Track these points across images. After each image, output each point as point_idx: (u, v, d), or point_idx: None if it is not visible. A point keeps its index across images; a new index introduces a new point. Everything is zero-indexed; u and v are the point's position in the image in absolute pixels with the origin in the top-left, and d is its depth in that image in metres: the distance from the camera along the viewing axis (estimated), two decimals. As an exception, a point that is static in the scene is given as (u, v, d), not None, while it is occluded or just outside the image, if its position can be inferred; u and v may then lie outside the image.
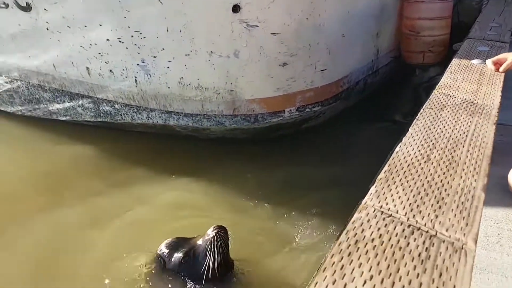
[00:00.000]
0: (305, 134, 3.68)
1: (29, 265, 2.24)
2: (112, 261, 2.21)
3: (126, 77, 3.19)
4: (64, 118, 3.71)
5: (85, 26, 3.07)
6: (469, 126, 1.63)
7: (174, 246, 2.04)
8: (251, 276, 2.07)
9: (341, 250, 0.98)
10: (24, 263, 2.25)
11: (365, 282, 0.88)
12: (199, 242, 1.97)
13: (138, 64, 3.09)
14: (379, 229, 1.05)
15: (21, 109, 3.90)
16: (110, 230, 2.49)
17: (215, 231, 1.91)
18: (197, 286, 1.93)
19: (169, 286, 1.98)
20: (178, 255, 1.99)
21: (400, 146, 1.46)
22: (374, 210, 1.12)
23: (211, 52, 2.99)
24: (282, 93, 3.28)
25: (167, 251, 2.04)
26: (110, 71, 3.21)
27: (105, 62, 3.17)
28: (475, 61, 2.60)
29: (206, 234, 1.95)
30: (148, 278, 2.07)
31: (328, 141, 3.66)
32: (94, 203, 2.79)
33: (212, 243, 1.86)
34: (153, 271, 2.08)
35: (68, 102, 3.57)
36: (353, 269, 0.92)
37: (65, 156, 3.38)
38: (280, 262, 2.20)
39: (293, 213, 2.64)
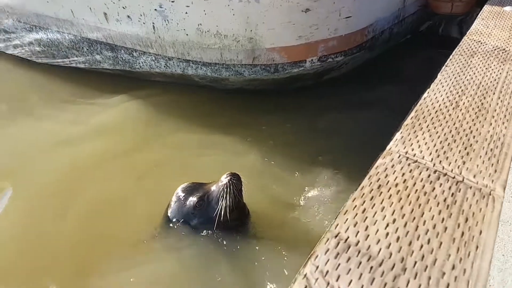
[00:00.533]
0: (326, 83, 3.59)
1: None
2: (136, 197, 2.28)
3: (143, 23, 3.12)
4: (82, 66, 3.70)
5: (103, -30, 2.99)
6: (500, 73, 1.54)
7: (190, 190, 2.08)
8: (264, 224, 2.10)
9: (364, 194, 0.97)
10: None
11: (387, 225, 0.87)
12: (213, 187, 2.00)
13: (155, 10, 3.01)
14: (403, 174, 1.02)
15: (41, 57, 3.90)
16: (138, 174, 2.53)
17: (228, 177, 1.93)
18: (209, 229, 2.00)
19: (182, 229, 2.06)
20: (193, 199, 2.02)
21: (428, 92, 1.40)
22: (399, 156, 1.09)
23: (231, -4, 2.88)
24: (304, 41, 3.16)
25: (183, 194, 2.09)
26: (128, 16, 3.14)
27: (123, 8, 3.09)
28: (508, 8, 2.45)
29: (220, 180, 1.97)
30: (163, 219, 2.14)
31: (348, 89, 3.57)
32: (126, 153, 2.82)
33: (225, 189, 1.90)
34: (168, 213, 2.14)
35: (87, 49, 3.54)
36: (375, 213, 0.91)
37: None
38: (296, 211, 2.21)
39: (313, 163, 2.62)
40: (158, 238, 2.04)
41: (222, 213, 1.89)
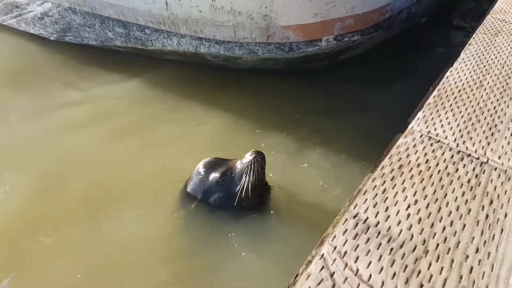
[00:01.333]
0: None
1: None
2: (153, 175, 2.27)
3: (156, -1, 3.07)
4: (94, 43, 3.67)
5: None
6: (528, 52, 1.48)
7: (213, 165, 2.10)
8: (284, 202, 2.11)
9: (384, 174, 0.94)
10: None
11: (408, 206, 0.84)
12: (237, 164, 2.02)
13: (169, -14, 2.95)
14: (425, 154, 0.99)
15: (52, 32, 3.88)
16: (152, 153, 2.52)
17: (254, 155, 1.95)
18: (228, 205, 2.00)
19: (200, 204, 2.07)
20: (215, 174, 2.03)
21: (451, 71, 1.35)
22: (421, 136, 1.05)
23: (245, -28, 2.81)
24: (320, 19, 3.08)
25: (205, 169, 2.09)
26: (141, -7, 3.09)
27: (135, -17, 3.05)
28: None
29: (244, 157, 1.98)
30: (182, 195, 2.14)
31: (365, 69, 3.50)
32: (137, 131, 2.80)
33: (249, 166, 1.92)
34: (188, 187, 2.15)
35: (99, 26, 3.51)
36: (396, 193, 0.88)
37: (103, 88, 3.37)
38: (314, 193, 2.20)
39: (332, 146, 2.59)
40: (175, 213, 2.05)
41: (244, 190, 1.92)
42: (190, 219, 2.07)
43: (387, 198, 0.87)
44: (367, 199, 0.88)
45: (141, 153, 2.55)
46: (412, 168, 0.95)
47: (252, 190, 1.93)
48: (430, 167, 0.95)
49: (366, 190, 0.90)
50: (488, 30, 1.67)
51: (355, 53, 3.61)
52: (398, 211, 0.84)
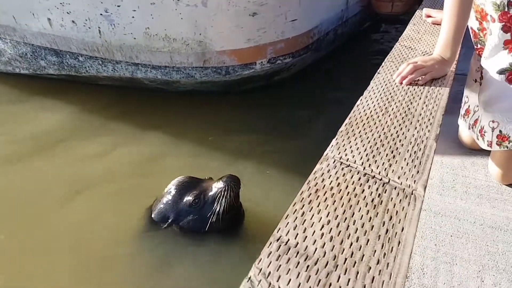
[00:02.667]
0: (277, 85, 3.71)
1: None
2: (92, 219, 2.25)
3: (89, 27, 3.08)
4: (27, 72, 3.58)
5: (45, -25, 2.92)
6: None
7: (186, 185, 2.10)
8: (258, 224, 2.18)
9: (303, 198, 1.06)
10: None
11: (322, 226, 0.97)
12: (211, 187, 2.04)
13: (101, 14, 2.98)
14: (337, 178, 1.13)
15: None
16: (88, 191, 2.48)
17: (228, 181, 1.99)
18: (200, 229, 2.03)
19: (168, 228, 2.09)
20: (189, 198, 2.04)
21: (361, 99, 1.53)
22: (334, 161, 1.20)
23: (178, 0, 2.91)
24: (253, 44, 3.26)
25: (178, 189, 2.09)
26: (73, 21, 3.09)
27: (67, 13, 3.04)
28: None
29: (219, 181, 2.02)
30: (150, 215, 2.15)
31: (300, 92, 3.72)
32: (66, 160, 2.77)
33: (222, 193, 1.96)
34: (158, 207, 2.14)
35: (31, 55, 3.44)
36: (312, 215, 1.00)
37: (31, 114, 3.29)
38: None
39: (271, 164, 2.72)
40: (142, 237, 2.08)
41: (216, 215, 1.97)
42: (156, 239, 2.08)
43: (305, 220, 1.00)
44: (288, 222, 1.00)
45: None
46: (326, 192, 1.09)
47: (225, 215, 1.99)
48: (341, 190, 1.09)
49: (288, 214, 1.02)
50: (396, 58, 1.89)
51: (288, 74, 3.83)
52: (314, 232, 0.96)
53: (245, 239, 2.16)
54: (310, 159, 2.68)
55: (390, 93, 1.58)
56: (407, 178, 1.13)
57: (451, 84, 1.68)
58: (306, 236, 0.95)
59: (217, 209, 1.95)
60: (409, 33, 2.17)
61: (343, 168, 1.17)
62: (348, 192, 1.07)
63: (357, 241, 0.93)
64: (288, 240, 0.95)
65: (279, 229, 0.99)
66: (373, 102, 1.51)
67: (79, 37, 3.19)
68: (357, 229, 0.97)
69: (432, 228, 1.64)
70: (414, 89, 1.61)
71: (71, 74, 3.51)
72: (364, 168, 1.17)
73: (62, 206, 2.32)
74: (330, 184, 1.11)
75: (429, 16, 2.39)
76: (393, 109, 1.47)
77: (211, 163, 2.71)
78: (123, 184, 2.50)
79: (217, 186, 2.01)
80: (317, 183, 1.12)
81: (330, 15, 3.81)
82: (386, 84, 1.64)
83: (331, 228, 0.97)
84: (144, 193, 2.33)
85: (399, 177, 1.13)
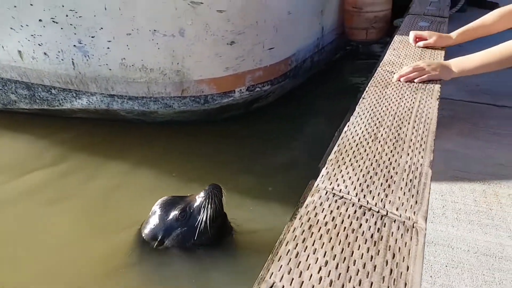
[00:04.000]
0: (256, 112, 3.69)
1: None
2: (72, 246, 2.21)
3: (62, 59, 2.98)
4: (-5, 106, 3.43)
5: (15, 6, 2.82)
6: (413, 102, 1.66)
7: (170, 203, 2.17)
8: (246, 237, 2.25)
9: (296, 236, 0.97)
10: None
11: (320, 269, 0.88)
12: (194, 199, 2.12)
13: (74, 45, 2.89)
14: (331, 212, 1.05)
15: None
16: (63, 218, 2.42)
17: (210, 188, 2.08)
18: (189, 241, 2.09)
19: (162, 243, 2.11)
20: (175, 212, 2.10)
21: (348, 126, 1.47)
22: (326, 193, 1.12)
23: (155, 30, 2.85)
24: (231, 72, 3.22)
25: (163, 208, 2.16)
26: (45, 53, 2.98)
27: (39, 45, 2.93)
28: (422, 23, 2.72)
29: (201, 191, 2.11)
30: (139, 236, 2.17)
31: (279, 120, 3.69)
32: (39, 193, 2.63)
33: (207, 199, 2.04)
34: (146, 228, 2.17)
35: (0, 89, 3.29)
36: (308, 256, 0.91)
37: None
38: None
39: (248, 194, 2.65)
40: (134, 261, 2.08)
41: (203, 223, 2.03)
42: (147, 258, 2.10)
43: (300, 262, 0.90)
44: (281, 265, 0.90)
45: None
46: (320, 228, 1.00)
47: (212, 223, 2.04)
48: (336, 225, 1.01)
49: (281, 256, 0.92)
50: (379, 83, 1.86)
51: (267, 101, 3.79)
52: (311, 275, 0.87)
53: (235, 254, 2.22)
54: (293, 183, 2.64)
55: (378, 118, 1.53)
56: (406, 210, 1.05)
57: (437, 108, 1.65)
58: (302, 282, 0.85)
59: (204, 217, 2.02)
60: (390, 58, 2.16)
61: (336, 200, 1.08)
62: (345, 228, 0.99)
63: (360, 285, 0.84)
64: (283, 286, 0.85)
65: (272, 273, 0.88)
66: (361, 128, 1.45)
67: (51, 69, 3.08)
68: (358, 270, 0.88)
69: (426, 259, 1.56)
70: (402, 114, 1.56)
71: (44, 108, 3.37)
72: (359, 199, 1.09)
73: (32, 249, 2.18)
74: (324, 218, 1.03)
75: (419, 38, 2.34)
76: (382, 135, 1.41)
77: (190, 191, 2.65)
78: (99, 217, 2.44)
79: (200, 196, 2.10)
80: (310, 218, 1.03)
81: (307, 43, 3.83)
82: (372, 110, 1.59)
83: (330, 271, 0.87)
84: (126, 222, 2.32)
85: (397, 209, 1.06)
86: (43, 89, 3.20)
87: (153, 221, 2.16)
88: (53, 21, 2.80)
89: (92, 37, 2.82)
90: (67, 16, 2.75)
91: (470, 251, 1.58)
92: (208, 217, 2.01)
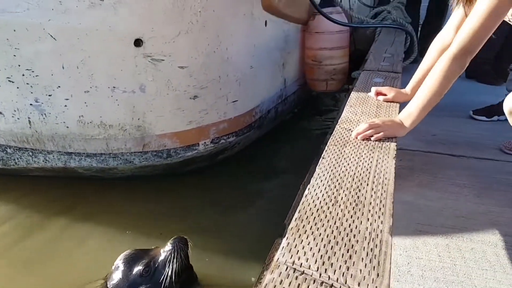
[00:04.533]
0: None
1: None
2: None
3: (18, 118, 2.87)
4: None
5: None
6: (371, 162, 1.68)
7: (134, 257, 2.10)
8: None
9: (254, 321, 0.92)
10: None
11: None
12: (159, 253, 2.07)
13: (31, 104, 2.80)
14: (292, 290, 1.00)
15: None
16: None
17: (175, 242, 2.04)
18: None
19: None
20: (139, 267, 2.03)
21: (309, 189, 1.45)
22: (287, 268, 1.07)
23: (114, 87, 2.82)
24: (195, 126, 3.20)
25: (126, 262, 2.08)
26: (0, 113, 2.88)
27: (-6, 104, 2.84)
28: (377, 80, 2.83)
29: (166, 245, 2.06)
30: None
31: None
32: None
33: (172, 254, 1.99)
34: (109, 284, 2.06)
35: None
36: None
37: None
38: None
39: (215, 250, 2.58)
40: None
41: (169, 279, 1.97)
42: None
43: None
44: None
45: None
46: (281, 310, 0.95)
47: (177, 277, 1.99)
48: (298, 307, 0.96)
49: None
50: (338, 141, 1.88)
51: (232, 152, 3.78)
52: None
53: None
54: (255, 231, 2.58)
55: (338, 180, 1.52)
56: (367, 285, 1.02)
57: (394, 167, 1.67)
58: None
59: (169, 272, 1.96)
60: (347, 115, 2.20)
61: (297, 277, 1.04)
62: (306, 309, 0.94)
63: None
64: None
65: None
66: (321, 191, 1.43)
67: (7, 128, 2.96)
68: None
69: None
70: (361, 175, 1.57)
71: (-1, 168, 3.22)
72: (320, 274, 1.05)
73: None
74: (284, 299, 0.98)
75: (379, 94, 2.43)
76: (342, 198, 1.40)
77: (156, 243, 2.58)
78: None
79: (165, 250, 2.04)
80: (269, 299, 0.99)
81: (270, 94, 3.90)
82: (332, 170, 1.59)
83: None
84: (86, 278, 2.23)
85: (359, 284, 1.02)
86: (-3, 148, 3.06)
87: (116, 277, 2.06)
88: (9, 81, 2.72)
89: (49, 95, 2.75)
90: (23, 75, 2.69)
91: (437, 313, 1.56)
92: (173, 272, 1.95)
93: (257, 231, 2.75)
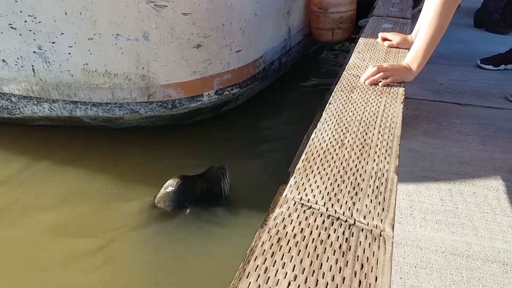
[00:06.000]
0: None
1: None
2: None
3: (21, 66, 2.85)
4: (-49, 116, 3.25)
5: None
6: (378, 107, 1.68)
7: (187, 178, 2.57)
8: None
9: (264, 251, 0.96)
10: None
11: (289, 284, 0.87)
12: (210, 172, 2.61)
13: (34, 52, 2.77)
14: (300, 223, 1.04)
15: None
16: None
17: (221, 167, 2.63)
18: (217, 204, 2.52)
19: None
20: (201, 182, 2.55)
21: (316, 132, 1.47)
22: (295, 203, 1.11)
23: (117, 35, 2.77)
24: (199, 76, 3.17)
25: (183, 181, 2.53)
26: (3, 61, 2.85)
27: (-4, 52, 2.81)
28: (386, 25, 2.77)
29: (214, 166, 2.64)
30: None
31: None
32: None
33: (223, 171, 2.59)
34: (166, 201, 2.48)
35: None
36: (277, 271, 0.90)
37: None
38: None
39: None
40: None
41: (224, 189, 2.57)
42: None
43: (269, 278, 0.89)
44: (250, 282, 0.88)
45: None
46: (289, 240, 0.99)
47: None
48: (305, 237, 1.00)
49: (249, 273, 0.91)
50: (345, 87, 1.87)
51: (237, 104, 3.77)
52: (280, 291, 0.86)
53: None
54: (262, 186, 2.67)
55: (344, 124, 1.53)
56: (373, 218, 1.06)
57: (402, 111, 1.67)
58: (272, 297, 0.84)
59: (225, 187, 2.57)
60: (355, 61, 2.18)
61: (305, 211, 1.08)
62: (314, 239, 0.98)
63: (328, 298, 0.84)
64: (252, 303, 0.84)
65: (241, 290, 0.87)
66: (328, 134, 1.45)
67: (10, 76, 2.95)
68: (327, 283, 0.87)
69: (396, 260, 1.59)
70: (368, 119, 1.58)
71: (4, 116, 3.23)
72: (327, 209, 1.09)
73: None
74: (293, 230, 1.02)
75: (385, 40, 2.40)
76: (349, 141, 1.42)
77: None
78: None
79: (215, 168, 2.63)
80: (278, 230, 1.02)
81: (274, 44, 3.82)
82: (339, 115, 1.60)
83: (299, 285, 0.87)
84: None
85: (364, 217, 1.06)
86: (2, 97, 3.06)
87: (179, 191, 2.48)
88: (11, 27, 2.67)
89: (52, 42, 2.72)
90: (25, 22, 2.64)
91: (438, 251, 1.62)
92: (226, 184, 2.55)
93: (262, 180, 2.80)
